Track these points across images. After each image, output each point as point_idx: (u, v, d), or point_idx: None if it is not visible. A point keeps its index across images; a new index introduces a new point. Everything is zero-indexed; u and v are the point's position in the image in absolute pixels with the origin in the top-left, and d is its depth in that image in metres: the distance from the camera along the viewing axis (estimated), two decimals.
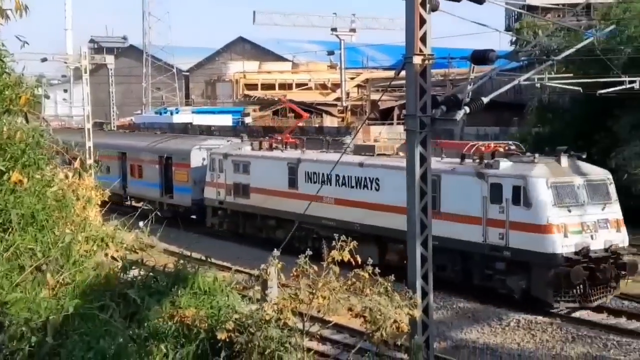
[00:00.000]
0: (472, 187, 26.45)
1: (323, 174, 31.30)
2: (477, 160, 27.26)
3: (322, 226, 31.23)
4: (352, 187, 30.71)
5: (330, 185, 30.53)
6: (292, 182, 33.25)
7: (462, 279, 27.42)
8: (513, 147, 29.05)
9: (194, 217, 40.90)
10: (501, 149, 28.62)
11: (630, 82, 24.04)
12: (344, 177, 30.89)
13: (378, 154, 31.27)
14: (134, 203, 46.24)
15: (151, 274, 14.19)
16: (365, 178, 29.99)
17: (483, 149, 28.13)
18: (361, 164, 30.29)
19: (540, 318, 24.39)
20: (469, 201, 26.41)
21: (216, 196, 37.45)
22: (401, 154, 29.34)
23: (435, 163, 24.87)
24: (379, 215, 28.93)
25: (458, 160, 28.05)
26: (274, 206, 34.36)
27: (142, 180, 43.47)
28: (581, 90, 27.59)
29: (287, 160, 34.10)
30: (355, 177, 30.46)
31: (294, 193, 32.91)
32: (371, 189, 29.70)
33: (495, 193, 25.60)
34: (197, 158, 38.41)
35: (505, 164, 26.09)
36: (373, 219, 29.32)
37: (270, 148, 36.51)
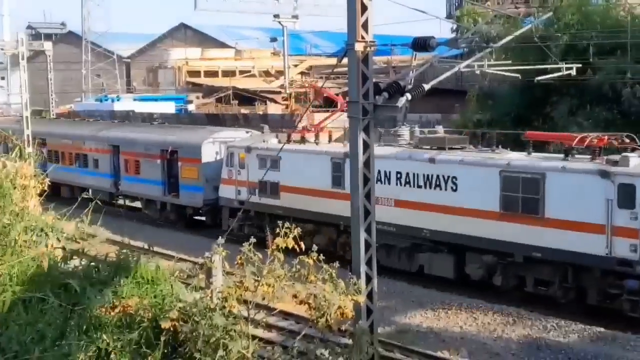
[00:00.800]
0: (591, 189, 22.13)
1: (379, 171, 24.73)
2: (593, 156, 23.08)
3: (378, 232, 25.87)
4: (420, 186, 25.17)
5: (389, 184, 25.87)
6: (337, 180, 27.25)
7: (573, 298, 23.24)
8: (627, 140, 24.48)
9: (202, 218, 36.21)
10: (615, 142, 24.24)
11: (567, 69, 24.28)
12: (407, 174, 25.35)
13: (450, 148, 25.69)
14: (127, 202, 41.25)
15: (92, 263, 14.13)
16: (438, 176, 24.57)
17: (596, 141, 23.36)
18: (432, 160, 24.72)
19: (482, 302, 24.47)
20: (585, 205, 22.15)
21: (235, 195, 31.20)
22: (473, 147, 26.29)
23: (531, 160, 23.50)
24: (456, 220, 24.10)
25: (558, 155, 24.20)
26: (312, 208, 28.44)
27: (139, 177, 37.49)
28: (520, 77, 27.76)
29: (331, 155, 27.88)
30: (423, 174, 24.94)
31: (339, 193, 26.59)
32: (446, 189, 24.42)
33: (625, 196, 21.35)
34: (210, 152, 32.74)
35: (636, 161, 21.95)
36: (448, 224, 24.31)
37: (303, 140, 30.69)
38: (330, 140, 30.75)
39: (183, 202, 34.45)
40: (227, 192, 31.70)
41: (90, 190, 37.95)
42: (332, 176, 27.42)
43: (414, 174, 25.12)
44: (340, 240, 27.11)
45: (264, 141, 31.39)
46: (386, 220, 24.42)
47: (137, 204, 41.50)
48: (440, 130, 28.00)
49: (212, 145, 32.75)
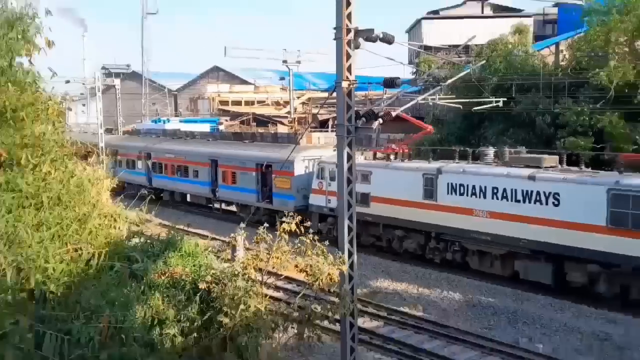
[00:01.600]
0: None
1: (473, 186, 22.62)
2: None
3: (472, 239, 23.04)
4: (518, 201, 21.76)
5: (484, 198, 22.41)
6: (429, 193, 24.02)
7: None
8: None
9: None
10: None
11: (496, 102, 24.55)
12: (504, 190, 21.98)
13: (546, 167, 22.40)
14: (223, 206, 38.15)
15: (148, 241, 14.20)
16: (539, 192, 21.38)
17: None
18: (532, 177, 21.53)
19: (430, 271, 24.56)
20: None
21: (325, 203, 28.43)
22: (570, 167, 22.80)
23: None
24: (557, 233, 20.91)
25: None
26: (402, 216, 25.18)
27: (235, 185, 34.35)
28: (461, 107, 28.03)
29: (423, 170, 24.48)
30: (522, 190, 21.69)
31: (432, 204, 23.89)
32: (547, 204, 21.16)
33: None
34: (300, 167, 30.32)
35: None
36: (548, 235, 21.12)
37: (388, 158, 27.62)
38: (410, 157, 27.61)
39: (275, 207, 31.51)
40: (317, 200, 29.00)
41: (188, 195, 37.01)
42: (424, 189, 24.15)
43: (512, 190, 21.76)
44: (430, 245, 24.42)
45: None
46: (481, 230, 22.50)
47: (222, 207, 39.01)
48: (523, 150, 24.61)
49: (302, 162, 30.50)
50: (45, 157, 12.03)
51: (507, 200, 21.82)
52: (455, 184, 23.15)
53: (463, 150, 25.45)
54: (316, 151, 30.67)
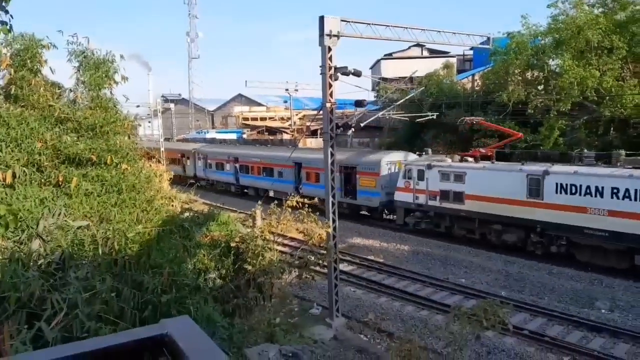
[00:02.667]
0: None
1: (588, 186, 17.62)
2: None
3: (584, 235, 17.90)
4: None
5: (602, 197, 17.27)
6: (535, 192, 18.92)
7: None
8: None
9: (366, 213, 27.74)
10: None
11: (432, 115, 24.47)
12: (626, 190, 16.85)
13: None
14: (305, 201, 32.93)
15: (196, 214, 14.17)
16: None
17: None
18: None
19: (390, 231, 24.39)
20: None
21: (413, 200, 23.30)
22: None
23: None
24: None
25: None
26: (502, 212, 20.03)
27: (318, 184, 28.19)
28: (408, 119, 27.98)
29: (527, 172, 19.24)
30: None
31: (538, 202, 18.84)
32: None
33: None
34: (385, 168, 25.75)
35: None
36: None
37: (476, 160, 22.27)
38: (492, 159, 22.41)
39: (359, 202, 27.08)
40: (403, 197, 23.92)
41: (272, 192, 32.36)
42: (529, 189, 19.12)
43: (635, 190, 16.71)
44: (533, 239, 19.50)
45: (440, 160, 23.41)
46: (598, 227, 17.45)
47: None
48: (622, 153, 19.99)
49: (386, 165, 25.77)
50: (123, 158, 11.94)
51: (630, 200, 16.85)
52: (566, 184, 18.29)
53: (564, 153, 21.52)
54: (395, 155, 26.75)
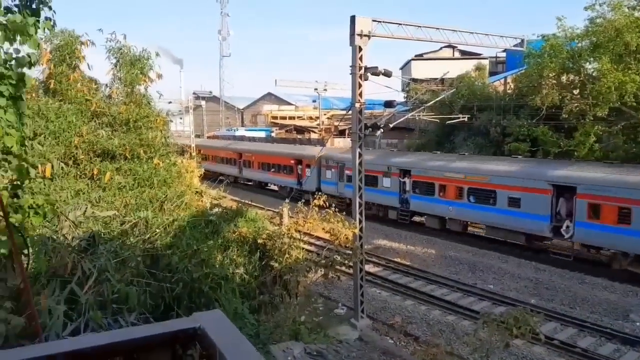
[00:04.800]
0: None
1: None
2: None
3: None
4: None
5: None
6: None
7: None
8: None
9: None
10: None
11: (462, 118, 24.17)
12: None
13: None
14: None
15: (224, 210, 14.32)
16: None
17: None
18: None
19: (417, 234, 24.12)
20: None
21: None
22: None
23: None
24: None
25: None
26: None
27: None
28: (439, 121, 27.69)
29: None
30: None
31: None
32: None
33: None
34: None
35: None
36: None
37: None
38: None
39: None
40: None
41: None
42: None
43: None
44: None
45: None
46: None
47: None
48: None
49: None
50: (155, 153, 12.19)
51: None
52: None
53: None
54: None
